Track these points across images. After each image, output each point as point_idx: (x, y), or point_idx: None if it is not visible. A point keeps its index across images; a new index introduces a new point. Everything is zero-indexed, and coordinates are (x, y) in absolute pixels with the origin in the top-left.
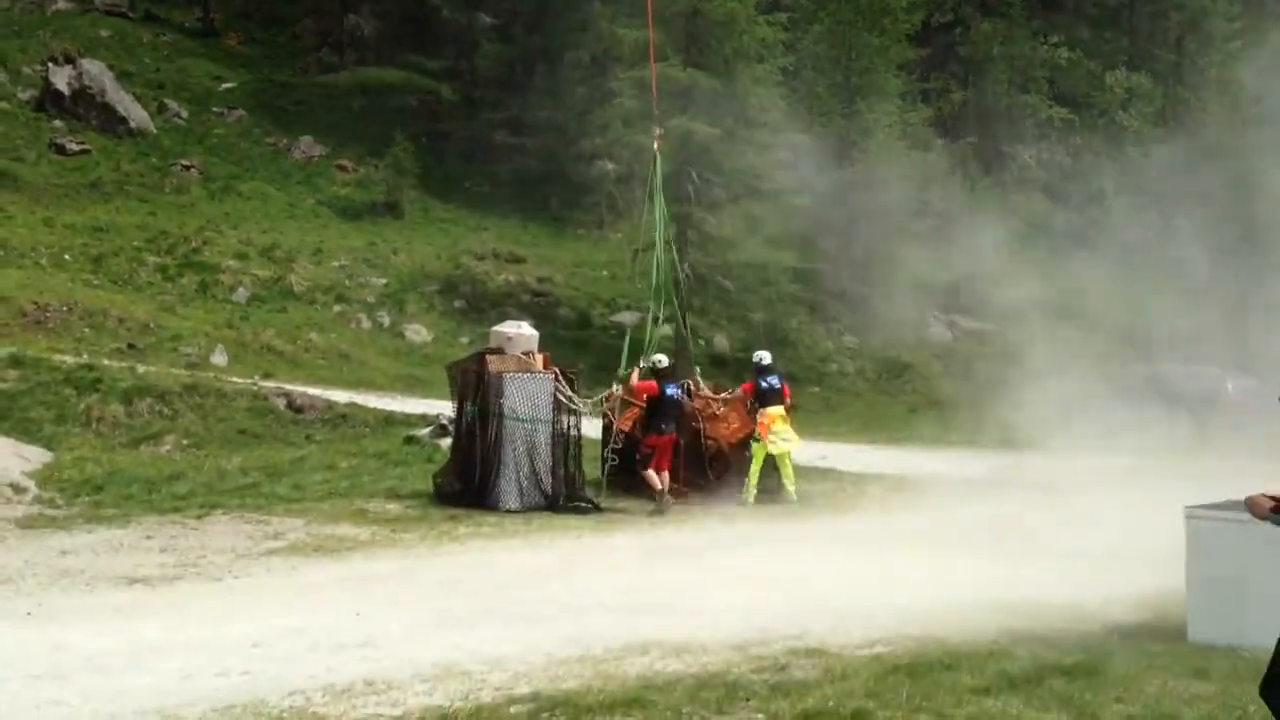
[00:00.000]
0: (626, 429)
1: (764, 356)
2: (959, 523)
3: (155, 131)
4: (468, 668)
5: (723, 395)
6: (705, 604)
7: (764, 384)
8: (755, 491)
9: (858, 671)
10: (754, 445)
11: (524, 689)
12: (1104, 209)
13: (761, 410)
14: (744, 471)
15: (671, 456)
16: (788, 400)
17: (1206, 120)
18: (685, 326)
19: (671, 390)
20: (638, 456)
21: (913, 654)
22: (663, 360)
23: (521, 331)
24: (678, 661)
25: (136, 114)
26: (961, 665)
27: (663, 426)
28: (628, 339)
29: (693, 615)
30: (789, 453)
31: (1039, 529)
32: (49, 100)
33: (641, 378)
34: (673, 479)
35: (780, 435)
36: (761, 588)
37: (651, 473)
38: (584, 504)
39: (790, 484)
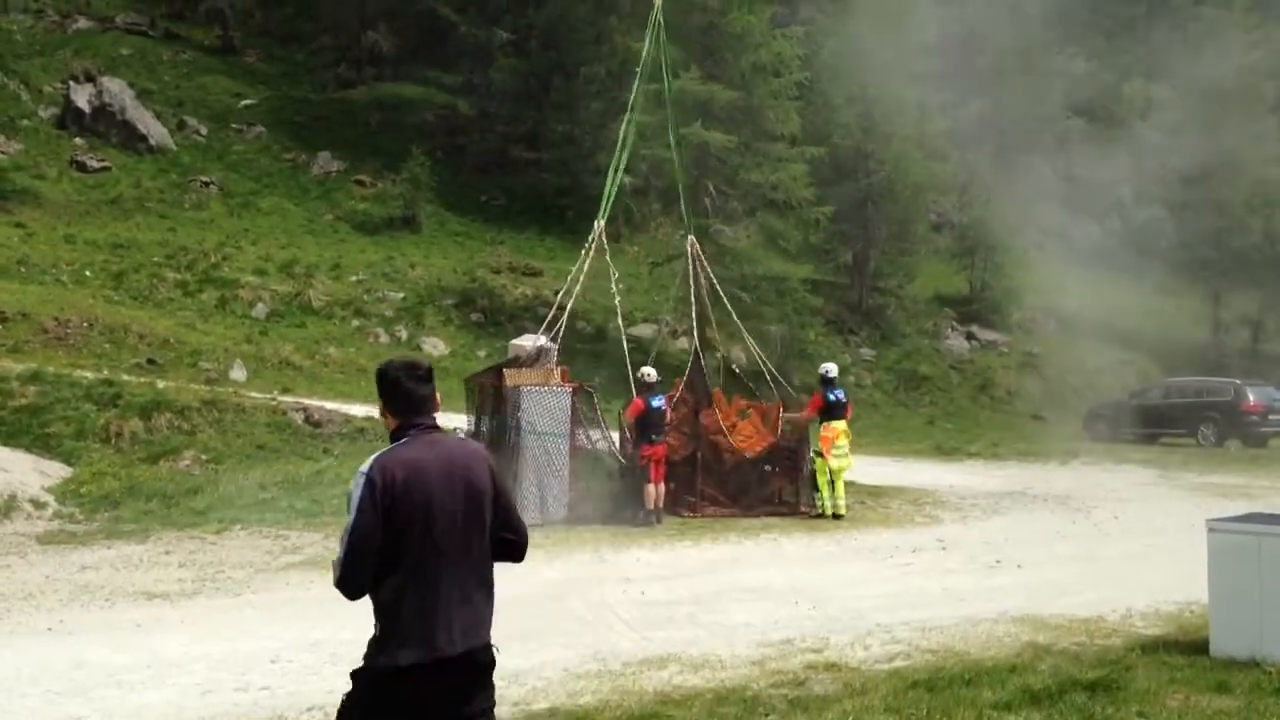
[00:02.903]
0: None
1: (831, 369)
2: (979, 536)
3: (175, 148)
4: None
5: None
6: (724, 618)
7: (831, 397)
8: (828, 501)
9: (877, 686)
10: (817, 460)
11: (541, 704)
12: (1122, 220)
13: (826, 424)
14: (764, 484)
15: (665, 466)
16: (849, 415)
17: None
18: (699, 337)
19: (657, 403)
20: (637, 470)
21: (932, 668)
22: (649, 374)
23: (539, 345)
24: (696, 676)
25: (156, 131)
26: (982, 680)
27: (653, 437)
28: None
29: (711, 630)
30: (846, 468)
31: (1059, 542)
32: (70, 118)
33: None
34: (691, 494)
35: (842, 450)
36: (780, 602)
37: (650, 486)
38: (602, 517)
39: (843, 499)
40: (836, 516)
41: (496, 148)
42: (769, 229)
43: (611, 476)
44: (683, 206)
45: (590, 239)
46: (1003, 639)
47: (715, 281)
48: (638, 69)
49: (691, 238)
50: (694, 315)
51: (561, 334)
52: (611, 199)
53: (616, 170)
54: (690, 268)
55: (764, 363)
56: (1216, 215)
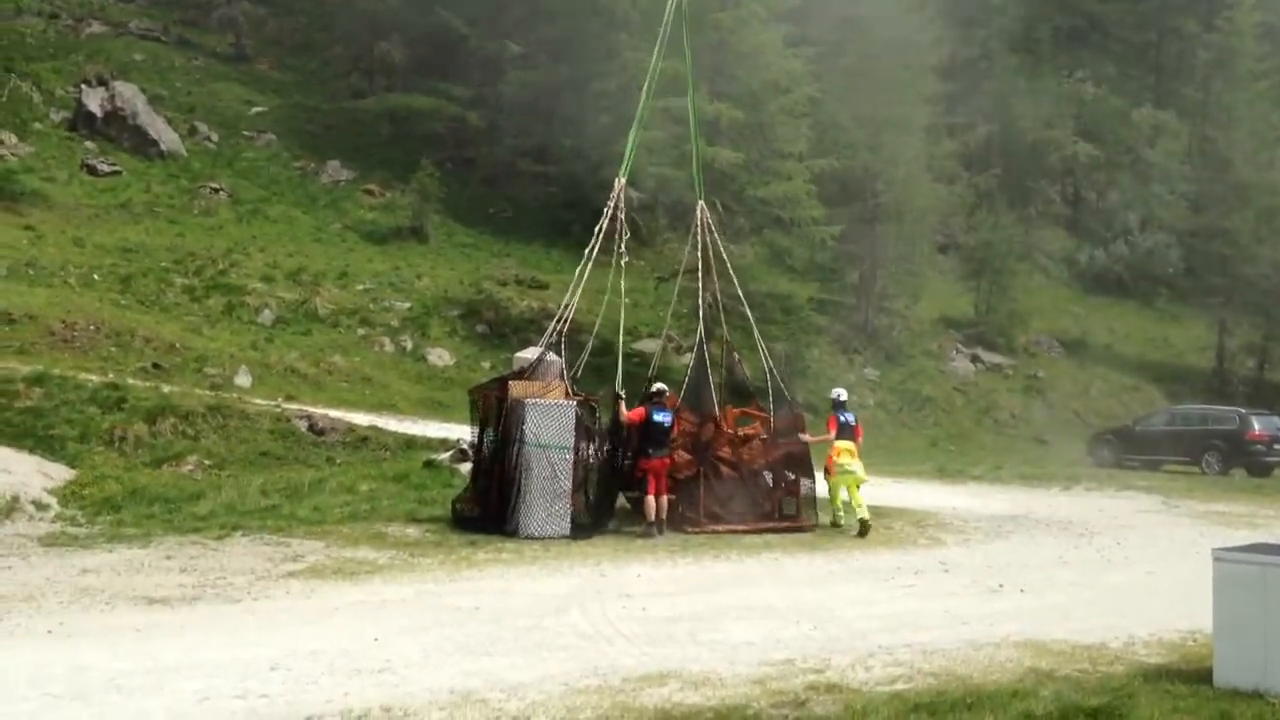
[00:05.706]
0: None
1: (841, 393)
2: (982, 559)
3: (186, 154)
4: (484, 695)
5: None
6: (725, 636)
7: (843, 419)
8: (844, 514)
9: (878, 709)
10: (827, 479)
11: (541, 718)
12: (1129, 245)
13: (833, 444)
14: (766, 498)
15: (665, 480)
16: (859, 438)
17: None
18: (728, 354)
19: (660, 416)
20: (632, 480)
21: (934, 692)
22: (659, 387)
23: (544, 355)
24: (696, 694)
25: (167, 136)
26: (984, 705)
27: (650, 450)
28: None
29: (712, 647)
30: (860, 481)
31: (1062, 567)
32: (81, 122)
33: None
34: (693, 509)
35: (848, 465)
36: (782, 621)
37: (650, 499)
38: (604, 531)
39: (864, 508)
40: (863, 530)
41: (505, 160)
42: (775, 247)
43: (607, 489)
44: (695, 172)
45: (611, 196)
46: (1005, 664)
47: (724, 251)
48: (664, 20)
49: (701, 203)
50: (699, 284)
51: (565, 330)
52: (634, 149)
53: (640, 120)
54: (699, 236)
55: (771, 374)
56: (1223, 243)
